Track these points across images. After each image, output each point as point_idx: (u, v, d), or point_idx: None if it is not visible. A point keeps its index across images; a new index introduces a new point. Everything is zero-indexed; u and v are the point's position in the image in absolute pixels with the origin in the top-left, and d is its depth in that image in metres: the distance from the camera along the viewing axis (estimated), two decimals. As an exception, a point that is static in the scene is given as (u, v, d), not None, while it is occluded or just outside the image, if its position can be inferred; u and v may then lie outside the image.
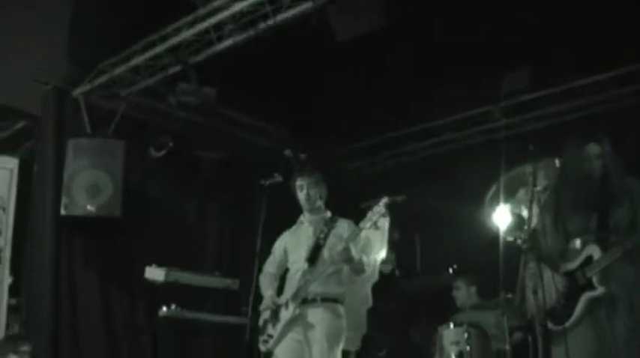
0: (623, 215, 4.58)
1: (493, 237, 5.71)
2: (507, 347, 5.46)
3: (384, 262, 8.71)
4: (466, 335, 6.08)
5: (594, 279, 4.50)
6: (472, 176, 7.68)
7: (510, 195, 6.14)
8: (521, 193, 6.05)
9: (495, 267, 5.21)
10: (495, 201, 6.23)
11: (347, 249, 5.14)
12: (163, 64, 6.83)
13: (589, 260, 4.56)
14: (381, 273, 8.72)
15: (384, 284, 8.65)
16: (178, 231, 7.60)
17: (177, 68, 6.80)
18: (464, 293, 7.09)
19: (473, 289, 7.09)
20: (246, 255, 5.64)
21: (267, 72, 7.18)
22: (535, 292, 4.34)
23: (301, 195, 5.57)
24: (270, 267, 5.68)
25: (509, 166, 5.96)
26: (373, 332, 6.90)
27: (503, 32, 6.74)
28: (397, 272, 8.66)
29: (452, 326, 6.23)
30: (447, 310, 7.19)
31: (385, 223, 5.97)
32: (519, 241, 4.53)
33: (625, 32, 6.72)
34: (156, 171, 7.61)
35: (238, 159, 7.82)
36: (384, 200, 5.06)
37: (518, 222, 5.56)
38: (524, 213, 5.42)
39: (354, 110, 8.23)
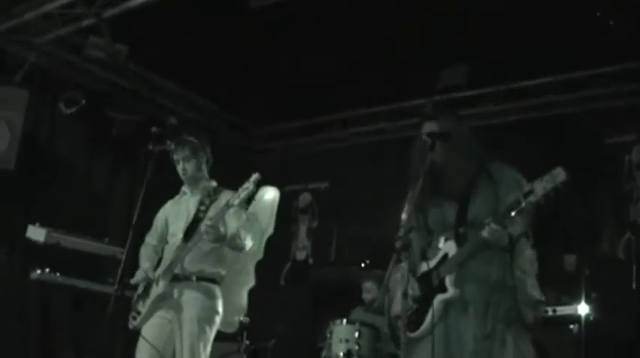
0: (482, 206, 3.81)
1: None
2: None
3: (299, 249, 8.53)
4: (357, 333, 5.79)
5: (447, 280, 3.83)
6: (400, 169, 7.39)
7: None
8: None
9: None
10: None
11: (213, 227, 4.81)
12: (76, 13, 6.44)
13: (445, 258, 3.88)
14: (294, 260, 8.55)
15: (296, 271, 8.47)
16: (83, 193, 7.20)
17: (92, 20, 6.41)
18: (375, 295, 6.54)
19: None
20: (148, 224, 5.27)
21: (194, 37, 6.87)
22: (405, 295, 3.67)
23: (179, 169, 5.21)
24: (151, 238, 5.34)
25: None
26: (268, 319, 6.64)
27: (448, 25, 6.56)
28: (311, 260, 8.45)
29: (344, 322, 5.93)
30: (355, 304, 6.87)
31: (275, 198, 5.64)
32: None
33: (568, 38, 6.50)
34: (65, 129, 7.17)
35: (154, 124, 7.41)
36: (255, 176, 4.69)
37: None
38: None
39: (282, 89, 7.89)
